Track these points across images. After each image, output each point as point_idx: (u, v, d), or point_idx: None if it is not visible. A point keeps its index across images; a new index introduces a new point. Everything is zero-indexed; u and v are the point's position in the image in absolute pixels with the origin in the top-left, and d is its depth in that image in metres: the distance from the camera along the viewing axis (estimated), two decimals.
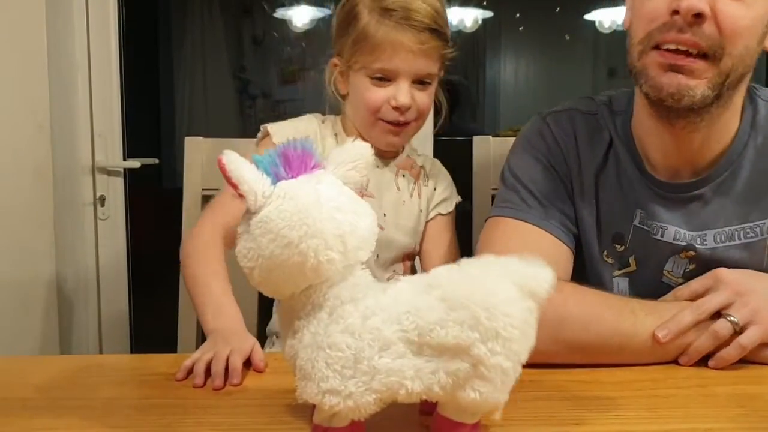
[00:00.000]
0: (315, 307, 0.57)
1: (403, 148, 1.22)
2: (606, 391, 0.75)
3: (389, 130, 1.11)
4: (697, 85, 0.81)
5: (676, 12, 0.79)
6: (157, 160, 2.16)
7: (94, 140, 1.91)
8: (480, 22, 5.57)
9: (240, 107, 5.24)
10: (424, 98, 1.11)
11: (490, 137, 1.35)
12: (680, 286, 0.87)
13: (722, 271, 0.84)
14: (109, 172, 1.94)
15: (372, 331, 0.55)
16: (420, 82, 1.09)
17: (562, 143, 0.98)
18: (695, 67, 0.80)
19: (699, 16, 0.79)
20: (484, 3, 5.57)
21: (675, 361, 0.81)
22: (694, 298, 0.83)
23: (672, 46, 0.81)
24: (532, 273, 0.56)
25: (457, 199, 1.25)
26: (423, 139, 1.79)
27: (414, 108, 1.09)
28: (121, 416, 0.70)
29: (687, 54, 0.81)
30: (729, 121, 0.90)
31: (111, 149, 1.93)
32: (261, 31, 5.17)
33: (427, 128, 1.88)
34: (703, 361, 0.81)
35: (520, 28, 6.21)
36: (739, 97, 0.89)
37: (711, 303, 0.81)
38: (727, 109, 0.88)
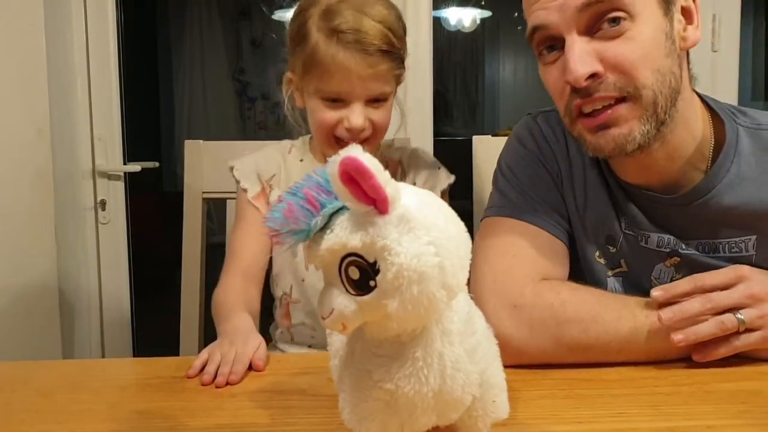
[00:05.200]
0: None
1: (378, 147, 1.18)
2: (608, 388, 0.75)
3: None
4: (632, 128, 0.79)
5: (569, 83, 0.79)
6: (157, 164, 2.16)
7: (94, 144, 1.92)
8: (478, 21, 5.58)
9: (239, 109, 5.25)
10: (380, 115, 1.08)
11: (490, 137, 1.35)
12: (701, 274, 0.82)
13: (745, 270, 0.81)
14: (110, 176, 1.94)
15: None
16: (374, 100, 1.07)
17: (552, 142, 0.97)
18: (619, 114, 0.79)
19: (592, 77, 0.78)
20: (482, 3, 5.58)
21: (676, 359, 0.81)
22: (711, 291, 0.80)
23: (589, 109, 0.80)
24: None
25: (449, 180, 1.18)
26: (423, 140, 1.79)
27: (370, 126, 1.07)
28: (125, 420, 0.70)
29: (606, 107, 0.79)
30: (689, 132, 0.86)
31: (111, 153, 1.93)
32: (259, 33, 5.17)
33: (427, 128, 1.89)
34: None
35: (519, 28, 6.22)
36: (687, 108, 0.85)
37: (723, 300, 0.79)
38: (678, 125, 0.84)
